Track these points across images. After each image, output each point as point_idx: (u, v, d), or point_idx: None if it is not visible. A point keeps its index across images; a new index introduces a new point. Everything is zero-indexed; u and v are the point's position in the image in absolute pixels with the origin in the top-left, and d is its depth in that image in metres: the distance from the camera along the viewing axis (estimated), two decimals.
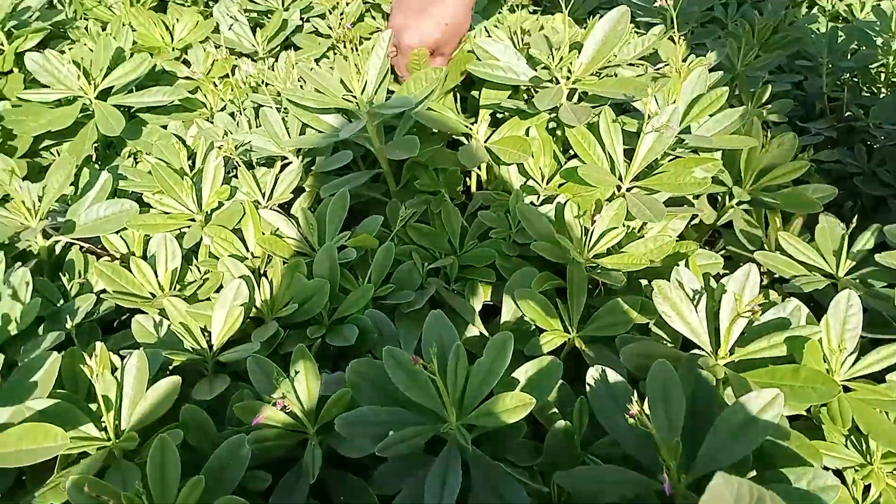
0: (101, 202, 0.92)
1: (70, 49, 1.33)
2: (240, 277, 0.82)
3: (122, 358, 0.72)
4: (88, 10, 1.50)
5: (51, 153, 1.22)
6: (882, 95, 1.54)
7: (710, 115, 1.01)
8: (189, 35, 1.38)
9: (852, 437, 0.73)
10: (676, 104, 0.94)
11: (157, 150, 1.04)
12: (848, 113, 1.43)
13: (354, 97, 0.98)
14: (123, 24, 1.33)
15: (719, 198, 1.09)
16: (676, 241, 0.89)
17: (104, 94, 1.17)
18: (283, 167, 1.06)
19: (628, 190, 0.93)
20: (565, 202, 0.90)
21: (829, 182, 1.07)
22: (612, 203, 0.87)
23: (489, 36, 1.14)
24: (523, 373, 0.66)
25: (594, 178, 0.90)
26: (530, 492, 0.63)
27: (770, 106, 1.31)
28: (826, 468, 0.68)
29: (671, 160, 0.98)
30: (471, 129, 1.00)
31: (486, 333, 0.85)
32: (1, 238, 0.84)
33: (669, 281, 0.78)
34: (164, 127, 1.22)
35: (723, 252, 1.07)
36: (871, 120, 1.37)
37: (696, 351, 0.77)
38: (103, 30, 1.41)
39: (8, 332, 0.74)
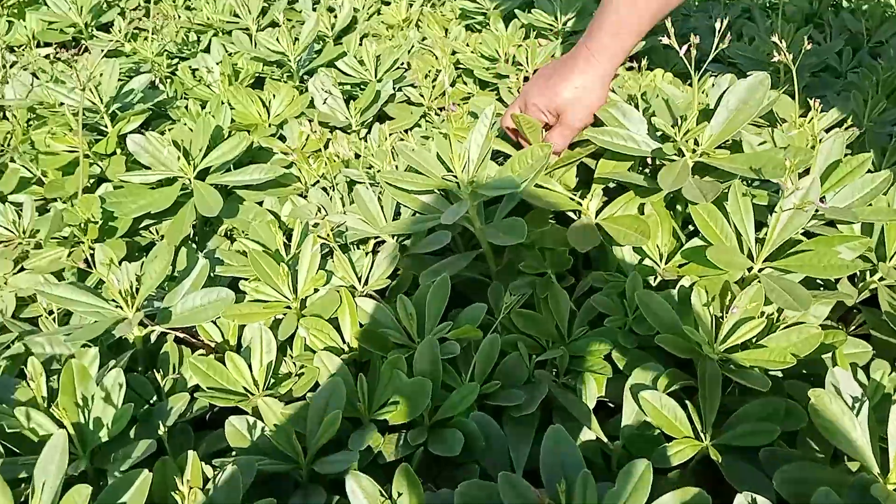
0: (197, 290, 0.89)
1: (170, 129, 1.35)
2: (335, 374, 0.77)
3: (215, 468, 0.68)
4: (189, 89, 1.53)
5: (150, 232, 1.23)
6: None
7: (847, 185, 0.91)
8: (285, 110, 1.38)
9: None
10: (814, 175, 0.83)
11: (253, 231, 1.02)
12: None
13: (455, 176, 0.93)
14: (222, 103, 1.34)
15: (857, 273, 0.97)
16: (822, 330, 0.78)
17: (203, 174, 1.17)
18: (377, 244, 1.02)
19: (760, 271, 0.83)
20: (690, 286, 0.81)
21: None
22: (748, 289, 0.77)
23: None
24: None
25: (723, 259, 0.81)
26: None
27: None
28: None
29: (803, 232, 0.88)
30: (581, 205, 0.92)
31: (605, 439, 0.76)
32: (99, 331, 0.83)
33: (809, 375, 0.67)
34: (260, 203, 1.21)
35: (860, 330, 0.94)
36: None
37: (852, 465, 0.66)
38: (203, 108, 1.43)
39: (99, 438, 0.71)
